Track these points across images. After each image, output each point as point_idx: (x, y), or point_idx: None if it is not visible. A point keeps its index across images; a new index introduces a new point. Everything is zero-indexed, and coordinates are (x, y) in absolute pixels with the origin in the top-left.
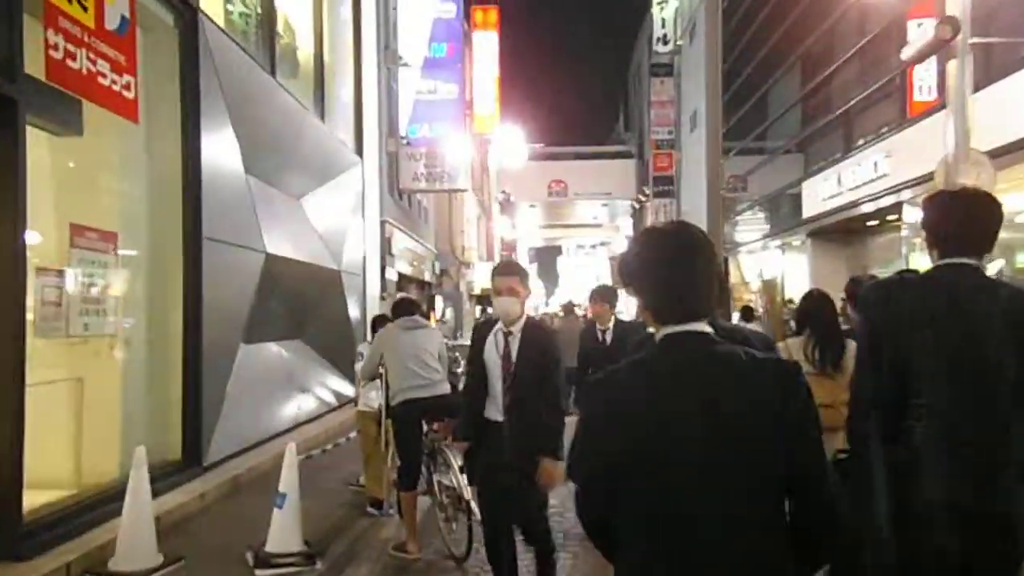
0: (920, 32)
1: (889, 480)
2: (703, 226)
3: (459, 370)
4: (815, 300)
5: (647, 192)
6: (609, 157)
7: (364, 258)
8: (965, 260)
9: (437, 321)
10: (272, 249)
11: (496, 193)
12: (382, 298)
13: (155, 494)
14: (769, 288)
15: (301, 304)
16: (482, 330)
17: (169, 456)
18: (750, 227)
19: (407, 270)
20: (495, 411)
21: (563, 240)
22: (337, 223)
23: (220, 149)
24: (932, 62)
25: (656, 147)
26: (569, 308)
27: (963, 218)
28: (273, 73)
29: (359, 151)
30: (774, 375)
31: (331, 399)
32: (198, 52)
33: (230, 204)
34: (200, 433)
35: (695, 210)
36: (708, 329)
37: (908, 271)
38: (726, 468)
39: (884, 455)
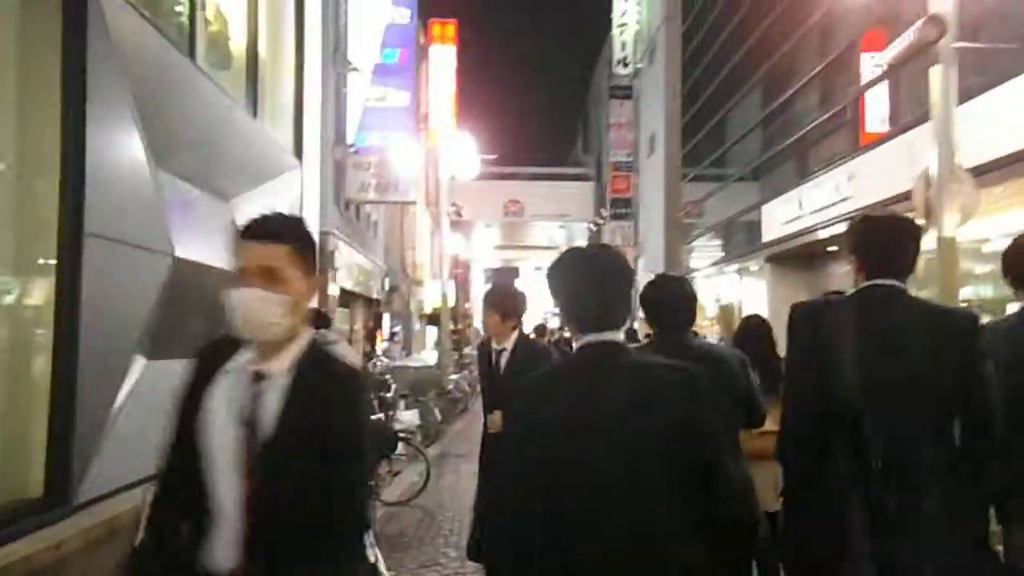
0: (902, 36)
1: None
2: (660, 249)
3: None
4: (752, 326)
5: (604, 214)
6: (567, 179)
7: None
8: (891, 282)
9: (384, 340)
10: (184, 252)
11: (446, 207)
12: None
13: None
14: (727, 314)
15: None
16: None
17: (27, 493)
18: (705, 254)
19: (352, 286)
20: None
21: (520, 262)
22: None
23: (115, 137)
24: (884, 89)
25: (615, 169)
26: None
27: (887, 240)
28: (193, 56)
29: (298, 154)
30: (681, 381)
31: None
32: (86, 22)
33: (128, 200)
34: (70, 465)
35: (653, 233)
36: (620, 338)
37: (835, 292)
38: (638, 469)
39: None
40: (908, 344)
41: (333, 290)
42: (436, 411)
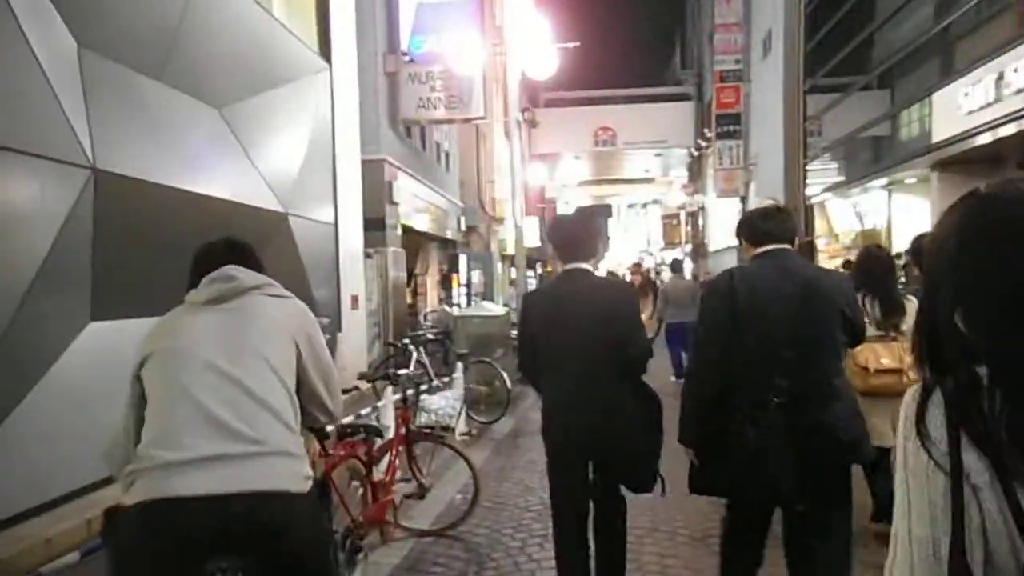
0: None
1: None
2: (777, 171)
3: None
4: (870, 258)
5: (708, 135)
6: (663, 100)
7: (335, 201)
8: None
9: (460, 285)
10: (117, 166)
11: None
12: (367, 256)
13: None
14: (870, 240)
15: None
16: None
17: None
18: (818, 178)
19: (421, 224)
20: None
21: (613, 198)
22: (287, 148)
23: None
24: None
25: (720, 80)
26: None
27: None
28: None
29: (325, 55)
30: (618, 289)
31: None
32: None
33: (32, 99)
34: None
35: (767, 152)
36: (588, 267)
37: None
38: (591, 340)
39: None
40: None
41: (393, 228)
42: (505, 375)
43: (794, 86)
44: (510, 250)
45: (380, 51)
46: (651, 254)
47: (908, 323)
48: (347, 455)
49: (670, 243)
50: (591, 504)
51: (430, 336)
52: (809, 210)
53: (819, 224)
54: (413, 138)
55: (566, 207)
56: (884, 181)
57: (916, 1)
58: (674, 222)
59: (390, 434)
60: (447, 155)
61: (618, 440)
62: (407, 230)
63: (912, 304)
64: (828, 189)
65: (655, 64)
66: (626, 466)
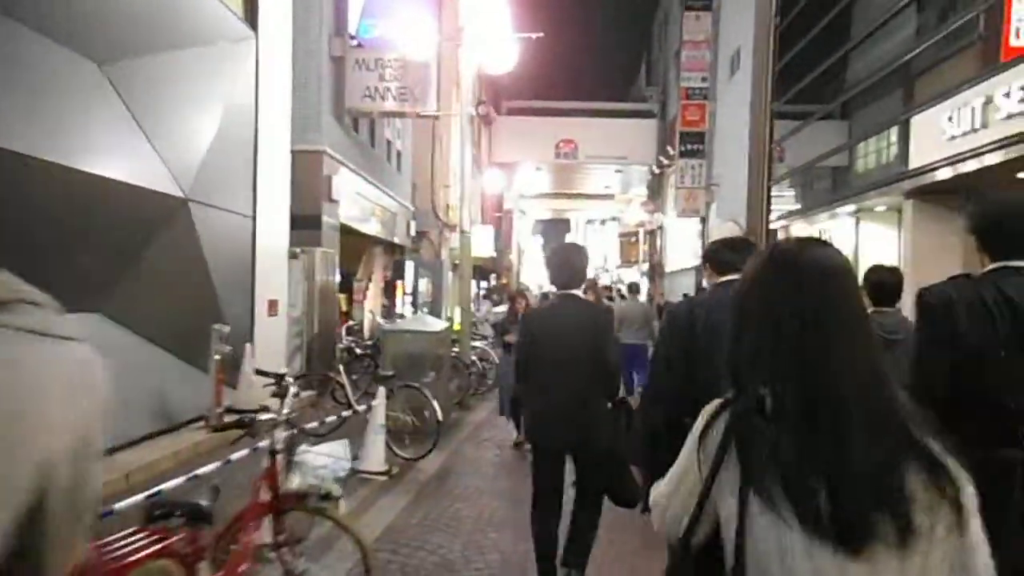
0: None
1: None
2: (739, 192)
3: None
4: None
5: (671, 153)
6: (627, 116)
7: (255, 191)
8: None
9: (405, 294)
10: None
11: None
12: (292, 256)
13: None
14: None
15: (98, 249)
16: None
17: None
18: (777, 205)
19: (365, 225)
20: None
21: (572, 213)
22: (192, 123)
23: None
24: None
25: (686, 96)
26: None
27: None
28: None
29: (251, 21)
30: (595, 311)
31: (163, 412)
32: None
33: None
34: None
35: (730, 174)
36: (578, 293)
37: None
38: (577, 350)
39: None
40: None
41: (331, 228)
42: (435, 404)
43: (761, 104)
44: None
45: (325, 32)
46: (607, 271)
47: None
48: (152, 553)
49: (627, 261)
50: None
51: (358, 351)
52: (772, 235)
53: None
54: (360, 132)
55: (522, 217)
56: (852, 208)
57: (880, 34)
58: (632, 240)
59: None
60: (399, 154)
61: (592, 435)
62: (348, 231)
63: None
64: (791, 214)
65: (621, 79)
66: (597, 459)
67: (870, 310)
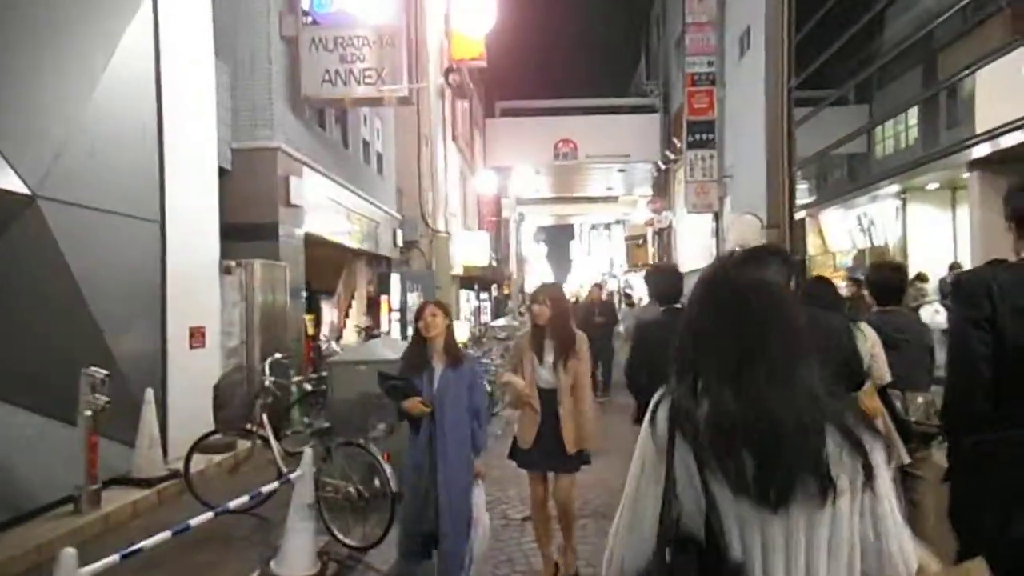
0: None
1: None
2: (757, 184)
3: None
4: (815, 280)
5: (678, 146)
6: (628, 111)
7: (162, 191)
8: None
9: (392, 311)
10: None
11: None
12: (225, 271)
13: None
14: (879, 258)
15: None
16: None
17: None
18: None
19: (341, 235)
20: None
21: (575, 218)
22: (45, 90)
23: None
24: None
25: (692, 83)
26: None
27: None
28: None
29: None
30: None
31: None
32: None
33: None
34: None
35: (745, 161)
36: (678, 305)
37: (999, 260)
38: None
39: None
40: None
41: (290, 237)
42: (388, 469)
43: (778, 82)
44: (457, 270)
45: (273, 8)
46: (614, 276)
47: (865, 348)
48: None
49: (634, 265)
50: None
51: (307, 387)
52: (798, 225)
53: (811, 241)
54: (329, 130)
55: (522, 223)
56: (896, 188)
57: (897, 9)
58: (639, 242)
59: None
60: (379, 157)
61: None
62: (321, 243)
63: (868, 330)
64: (818, 201)
65: (619, 74)
66: None
67: (874, 310)
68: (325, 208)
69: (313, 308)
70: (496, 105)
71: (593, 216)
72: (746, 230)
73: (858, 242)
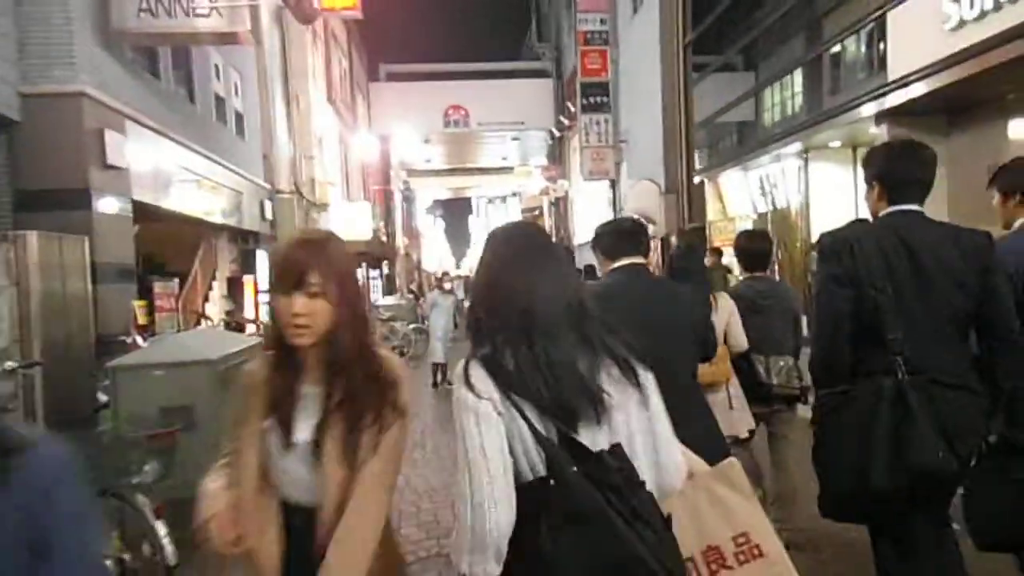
0: None
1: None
2: (652, 149)
3: None
4: (681, 251)
5: (572, 110)
6: (520, 75)
7: None
8: (913, 207)
9: (259, 293)
10: None
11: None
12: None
13: None
14: (782, 222)
15: None
16: None
17: None
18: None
19: (189, 206)
20: None
21: (472, 191)
22: None
23: None
24: None
25: (584, 42)
26: None
27: (912, 166)
28: None
29: None
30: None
31: None
32: None
33: None
34: None
35: (641, 125)
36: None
37: (861, 220)
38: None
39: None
40: (933, 264)
41: (112, 208)
42: (160, 531)
43: (673, 39)
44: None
45: None
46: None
47: (720, 317)
48: None
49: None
50: None
51: (104, 399)
52: (697, 189)
53: (711, 207)
54: (166, 80)
55: (404, 191)
56: (799, 147)
57: None
58: (535, 213)
59: None
60: (239, 116)
61: None
62: (162, 215)
63: (724, 299)
64: (718, 163)
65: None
66: None
67: (743, 276)
68: (165, 173)
69: (145, 293)
70: (380, 68)
71: (488, 189)
72: (644, 197)
73: (759, 206)
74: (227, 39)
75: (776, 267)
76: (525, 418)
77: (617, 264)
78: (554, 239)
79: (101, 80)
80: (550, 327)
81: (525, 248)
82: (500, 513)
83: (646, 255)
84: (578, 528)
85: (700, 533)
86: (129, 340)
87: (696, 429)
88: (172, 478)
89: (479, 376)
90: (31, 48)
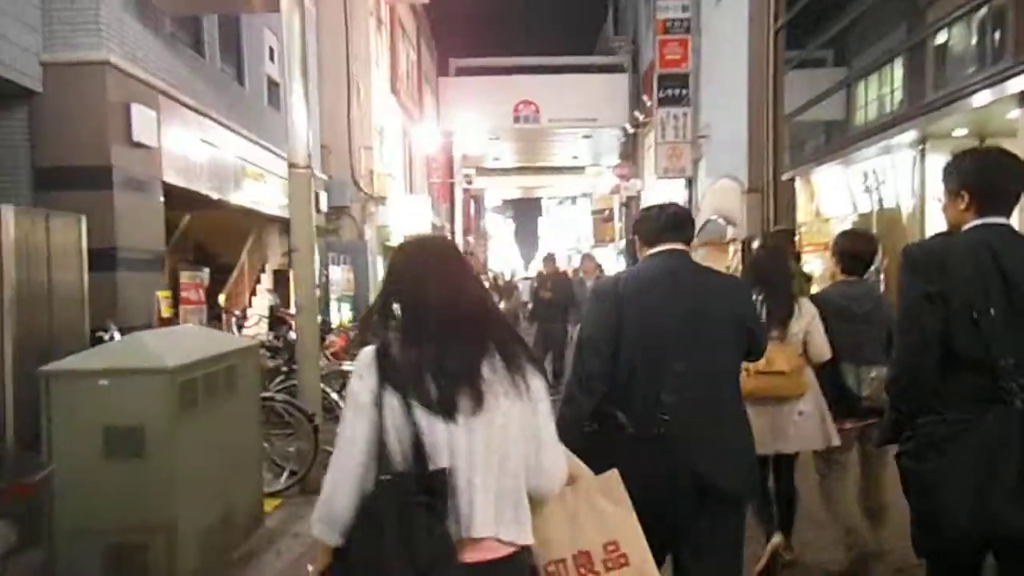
0: None
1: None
2: (741, 139)
3: None
4: (766, 253)
5: (648, 104)
6: (594, 71)
7: None
8: (1002, 220)
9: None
10: None
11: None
12: None
13: None
14: (888, 225)
15: None
16: None
17: None
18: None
19: (244, 197)
20: None
21: (541, 191)
22: None
23: None
24: None
25: (664, 30)
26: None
27: (1006, 175)
28: None
29: None
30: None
31: None
32: None
33: None
34: None
35: (723, 119)
36: (680, 247)
37: (945, 233)
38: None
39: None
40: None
41: (137, 189)
42: None
43: (763, 23)
44: (396, 240)
45: None
46: (580, 252)
47: (800, 325)
48: None
49: (600, 241)
50: None
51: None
52: (785, 188)
53: (803, 208)
54: (211, 58)
55: (469, 189)
56: (914, 136)
57: None
58: (605, 214)
59: None
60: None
61: None
62: (217, 205)
63: (806, 305)
64: (814, 155)
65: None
66: None
67: (838, 279)
68: (204, 157)
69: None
70: (450, 63)
71: (558, 188)
72: (723, 197)
73: (861, 205)
74: (270, 5)
75: (881, 276)
76: (407, 411)
77: (655, 250)
78: (624, 240)
79: (130, 51)
80: (441, 328)
81: (429, 256)
82: (344, 495)
83: (688, 242)
84: (370, 531)
85: (574, 538)
86: (107, 336)
87: (726, 430)
88: (36, 549)
89: (366, 366)
90: (56, 14)
